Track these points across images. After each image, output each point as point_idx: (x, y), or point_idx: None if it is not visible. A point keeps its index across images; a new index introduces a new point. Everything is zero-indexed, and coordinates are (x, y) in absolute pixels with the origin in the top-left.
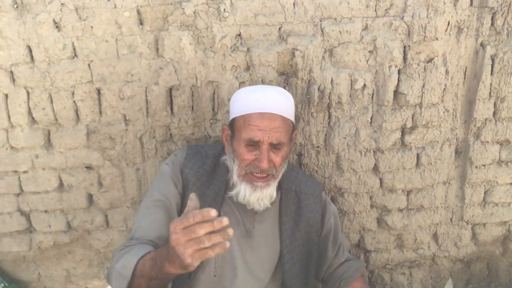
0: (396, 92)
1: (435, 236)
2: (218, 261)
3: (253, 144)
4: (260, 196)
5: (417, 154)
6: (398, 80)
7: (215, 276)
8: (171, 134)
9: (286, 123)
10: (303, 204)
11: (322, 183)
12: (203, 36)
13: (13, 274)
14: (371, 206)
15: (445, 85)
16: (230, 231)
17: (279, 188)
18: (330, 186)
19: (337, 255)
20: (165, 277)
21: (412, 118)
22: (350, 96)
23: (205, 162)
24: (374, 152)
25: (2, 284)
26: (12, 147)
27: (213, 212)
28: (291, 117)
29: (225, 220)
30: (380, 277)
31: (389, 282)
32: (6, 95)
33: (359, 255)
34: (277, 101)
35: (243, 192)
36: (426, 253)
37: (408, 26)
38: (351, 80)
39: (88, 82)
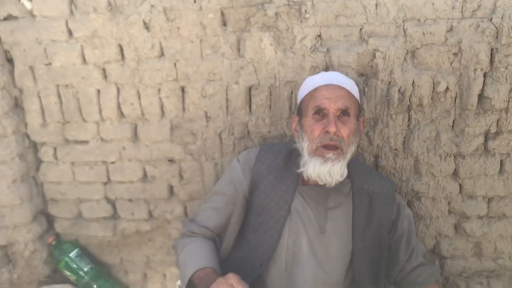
0: (480, 96)
1: None
2: (289, 256)
3: (321, 114)
4: (331, 168)
5: (501, 161)
6: (484, 83)
7: (286, 270)
8: (248, 132)
9: (352, 97)
10: (374, 203)
11: (399, 186)
12: (283, 37)
13: (98, 257)
14: (449, 212)
15: None
16: None
17: (351, 187)
18: (407, 190)
19: (410, 259)
20: None
21: (497, 123)
22: (431, 98)
23: (278, 156)
24: (454, 157)
25: (89, 265)
26: (102, 139)
27: None
28: (357, 96)
29: None
30: (455, 284)
31: None
32: (98, 91)
33: (434, 261)
34: (342, 78)
35: (313, 165)
36: (507, 263)
37: (496, 28)
38: (433, 83)
39: (173, 80)
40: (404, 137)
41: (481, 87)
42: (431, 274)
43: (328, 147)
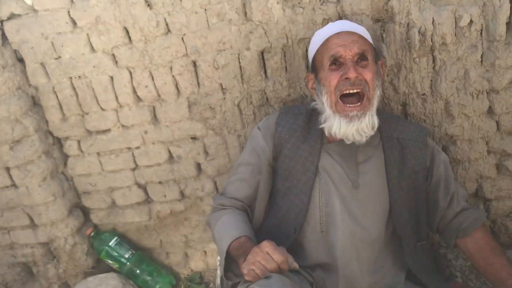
0: (509, 24)
1: None
2: (322, 217)
3: (337, 63)
4: (359, 126)
5: None
6: (511, 10)
7: (322, 232)
8: (267, 98)
9: (365, 41)
10: (406, 151)
11: (431, 132)
12: None
13: (138, 242)
14: (488, 152)
15: None
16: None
17: (380, 137)
18: (440, 135)
19: (451, 205)
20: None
21: None
22: (455, 35)
23: (298, 118)
24: (487, 93)
25: (130, 252)
26: (123, 126)
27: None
28: (369, 39)
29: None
30: (504, 226)
31: None
32: (112, 77)
33: (478, 204)
34: (351, 24)
35: (338, 125)
36: None
37: None
38: (455, 18)
39: (183, 55)
40: (431, 80)
41: (509, 14)
42: (476, 218)
43: (350, 100)
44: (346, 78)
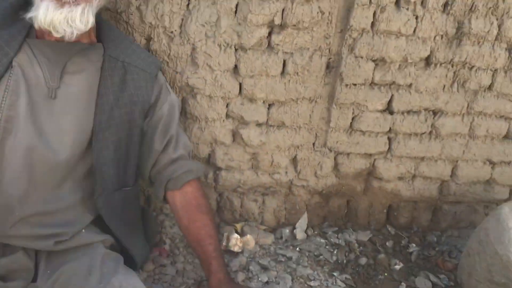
0: None
1: (294, 161)
2: (1, 121)
3: None
4: (69, 14)
5: (284, 60)
6: None
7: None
8: None
9: None
10: (129, 77)
11: (172, 78)
12: None
13: None
14: (227, 116)
15: None
16: None
17: (104, 55)
18: (181, 84)
19: (167, 150)
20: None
21: (282, 14)
22: None
23: (5, 0)
24: (236, 49)
25: None
26: None
27: None
28: None
29: None
30: (229, 201)
31: (239, 209)
32: None
33: (207, 173)
34: None
35: (45, 9)
36: (283, 179)
37: None
38: None
39: None
40: (182, 19)
41: None
42: (190, 170)
43: None
44: None
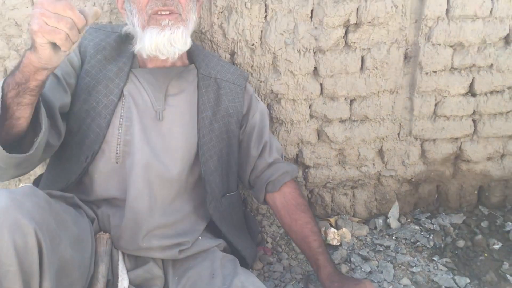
0: None
1: (380, 153)
2: (120, 145)
3: None
4: (170, 36)
5: (362, 57)
6: None
7: (117, 163)
8: None
9: None
10: (222, 91)
11: (257, 88)
12: None
13: None
14: (311, 116)
15: None
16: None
17: (197, 74)
18: (266, 91)
19: (263, 155)
20: (29, 75)
21: (357, 12)
22: None
23: (110, 36)
24: (314, 52)
25: None
26: None
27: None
28: None
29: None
30: (320, 197)
31: (330, 203)
32: None
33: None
34: None
35: (149, 36)
36: (371, 171)
37: None
38: None
39: None
40: (261, 31)
41: None
42: (286, 171)
43: (163, 14)
44: None
